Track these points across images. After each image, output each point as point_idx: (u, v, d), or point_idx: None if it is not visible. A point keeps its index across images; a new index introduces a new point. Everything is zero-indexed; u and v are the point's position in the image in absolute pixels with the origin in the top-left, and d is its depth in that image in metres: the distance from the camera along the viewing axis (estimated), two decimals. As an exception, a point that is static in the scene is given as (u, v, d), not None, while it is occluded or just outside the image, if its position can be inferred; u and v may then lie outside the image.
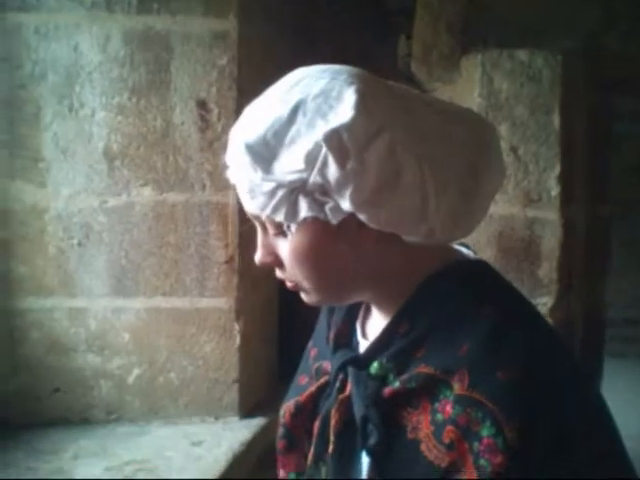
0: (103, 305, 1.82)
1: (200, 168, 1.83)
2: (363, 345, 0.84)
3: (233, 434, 1.74)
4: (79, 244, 1.82)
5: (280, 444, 0.89)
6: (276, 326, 2.10)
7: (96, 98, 1.77)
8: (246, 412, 1.85)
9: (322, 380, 0.85)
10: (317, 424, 0.82)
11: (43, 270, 1.81)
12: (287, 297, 1.96)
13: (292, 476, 0.90)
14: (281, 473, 0.91)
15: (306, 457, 0.85)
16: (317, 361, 0.89)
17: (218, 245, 1.84)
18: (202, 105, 1.80)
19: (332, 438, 0.79)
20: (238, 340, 1.84)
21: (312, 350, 0.93)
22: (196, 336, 1.83)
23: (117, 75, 1.76)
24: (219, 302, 1.83)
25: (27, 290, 1.81)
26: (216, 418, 1.82)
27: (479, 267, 0.83)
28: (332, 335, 0.87)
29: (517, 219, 2.04)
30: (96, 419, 1.80)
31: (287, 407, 0.89)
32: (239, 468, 1.65)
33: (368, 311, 0.87)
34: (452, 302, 0.77)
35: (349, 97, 0.71)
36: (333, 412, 0.80)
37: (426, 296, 0.78)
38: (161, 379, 1.82)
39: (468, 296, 0.77)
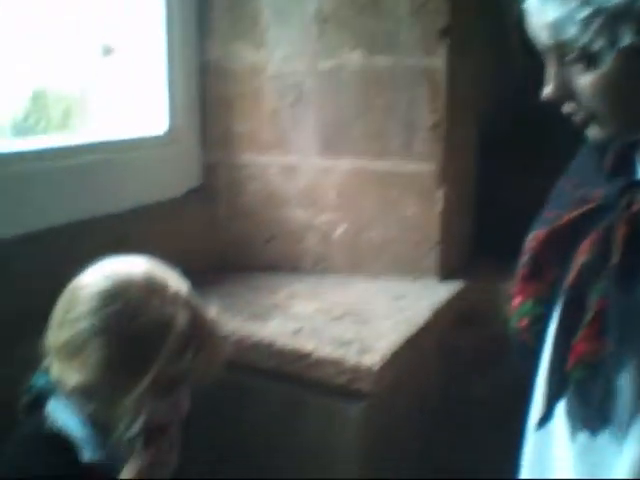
0: (313, 163, 1.91)
1: (411, 31, 1.82)
2: None
3: (432, 293, 1.80)
4: (291, 105, 1.90)
5: (523, 271, 0.92)
6: (474, 196, 2.10)
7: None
8: (444, 275, 1.89)
9: (589, 206, 0.86)
10: (589, 242, 0.83)
11: (259, 128, 1.92)
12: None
13: (529, 303, 0.93)
14: (517, 300, 0.94)
15: (548, 284, 0.88)
16: (580, 189, 0.90)
17: (425, 110, 1.84)
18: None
19: (619, 249, 0.80)
20: (440, 205, 1.86)
21: (569, 182, 0.94)
22: (400, 199, 1.87)
23: None
24: (423, 167, 1.85)
25: (245, 146, 1.94)
26: (415, 279, 1.88)
27: None
28: (609, 163, 0.87)
29: None
30: (305, 268, 1.94)
31: (536, 235, 0.91)
32: (439, 323, 1.71)
33: None
34: None
35: None
36: (619, 225, 0.80)
37: None
38: (364, 237, 1.90)
39: None
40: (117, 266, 1.01)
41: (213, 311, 1.03)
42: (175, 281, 1.01)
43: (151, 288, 0.97)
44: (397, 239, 1.89)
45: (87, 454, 0.99)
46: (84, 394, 0.96)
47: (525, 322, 0.95)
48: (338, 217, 1.91)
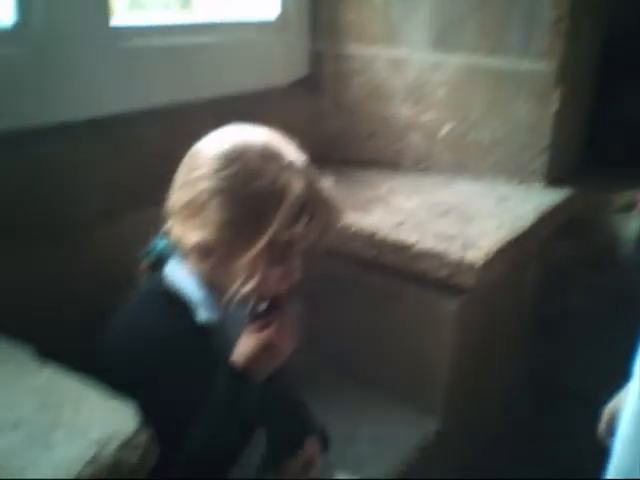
0: (422, 57, 1.84)
1: None
2: None
3: (538, 198, 1.74)
4: (404, -6, 1.82)
5: None
6: (590, 100, 1.99)
7: None
8: (551, 181, 1.82)
9: None
10: None
11: (370, 18, 1.86)
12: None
13: None
14: None
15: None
16: None
17: (548, 4, 1.73)
18: None
19: None
20: (555, 107, 1.77)
21: None
22: (512, 98, 1.79)
23: None
24: (541, 65, 1.75)
25: (353, 37, 1.89)
26: (520, 182, 1.82)
27: None
28: None
29: None
30: (406, 166, 1.90)
31: None
32: (543, 228, 1.66)
33: None
34: None
35: None
36: None
37: None
38: (471, 137, 1.84)
39: None
40: (237, 132, 1.02)
41: (329, 181, 1.03)
42: (293, 150, 1.01)
43: (268, 153, 0.98)
44: (505, 140, 1.82)
45: (202, 315, 1.02)
46: (202, 253, 0.99)
47: None
48: (445, 115, 1.85)
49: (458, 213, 1.61)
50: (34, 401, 0.80)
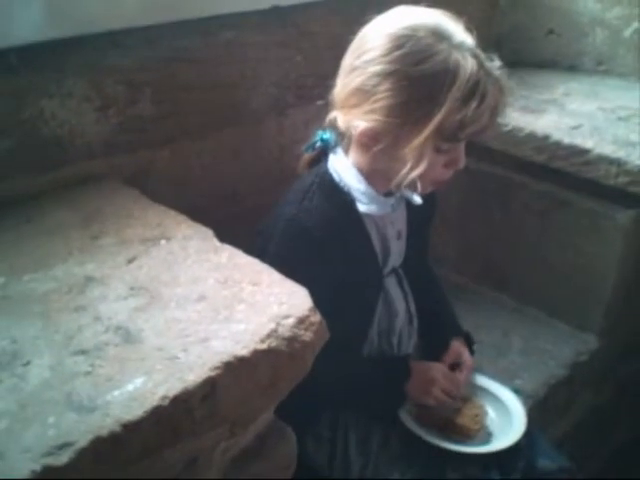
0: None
1: None
2: None
3: None
4: None
5: None
6: None
7: None
8: None
9: None
10: None
11: None
12: None
13: None
14: None
15: None
16: None
17: None
18: None
19: None
20: None
21: None
22: None
23: None
24: None
25: None
26: None
27: None
28: None
29: None
30: (585, 68, 1.78)
31: None
32: None
33: None
34: None
35: None
36: None
37: None
38: (662, 37, 1.68)
39: None
40: (406, 13, 0.99)
41: (498, 64, 0.98)
42: (462, 30, 0.97)
43: (439, 33, 0.94)
44: None
45: (363, 206, 1.04)
46: (371, 139, 0.98)
47: None
48: (634, 12, 1.69)
49: (640, 119, 1.50)
50: (217, 277, 0.85)
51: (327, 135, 1.08)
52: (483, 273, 1.64)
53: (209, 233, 0.96)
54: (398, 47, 0.93)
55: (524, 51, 1.83)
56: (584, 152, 1.37)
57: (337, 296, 0.96)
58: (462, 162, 1.00)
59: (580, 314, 1.50)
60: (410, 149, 0.94)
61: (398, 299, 1.13)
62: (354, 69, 0.97)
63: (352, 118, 0.98)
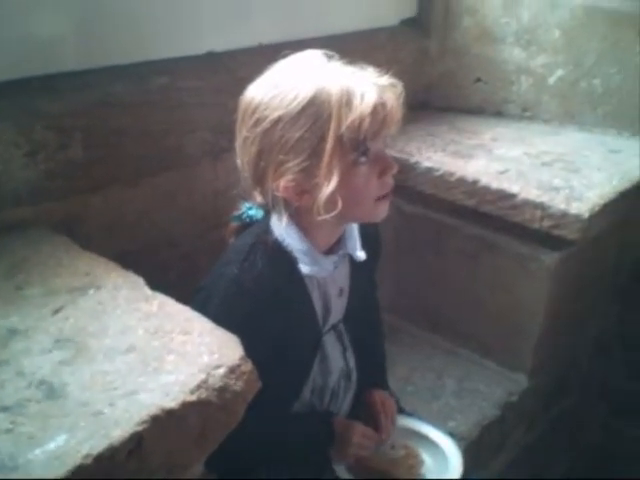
0: (538, -2, 1.76)
1: None
2: None
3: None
4: None
5: None
6: None
7: None
8: (668, 134, 1.73)
9: None
10: None
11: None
12: None
13: None
14: None
15: None
16: None
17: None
18: None
19: None
20: (678, 54, 1.66)
21: None
22: (632, 43, 1.68)
23: None
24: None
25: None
26: (633, 134, 1.73)
27: None
28: None
29: None
30: (511, 114, 1.85)
31: None
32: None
33: None
34: None
35: None
36: None
37: None
38: (583, 84, 1.76)
39: None
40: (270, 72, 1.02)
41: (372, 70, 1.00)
42: (326, 58, 1.00)
43: (302, 68, 0.98)
44: (620, 89, 1.72)
45: (305, 267, 1.03)
46: (295, 191, 0.98)
47: None
48: (557, 60, 1.77)
49: (564, 164, 1.56)
50: (147, 327, 0.84)
51: (253, 211, 1.08)
52: (417, 315, 1.66)
53: (140, 281, 0.95)
54: (271, 98, 0.96)
55: (453, 97, 1.89)
56: (511, 196, 1.42)
57: (274, 355, 0.96)
58: (392, 165, 1.01)
59: (511, 354, 1.54)
60: (323, 174, 0.95)
61: (335, 357, 1.13)
62: (245, 139, 0.99)
63: (268, 185, 0.99)
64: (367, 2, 1.72)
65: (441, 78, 1.89)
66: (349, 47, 1.55)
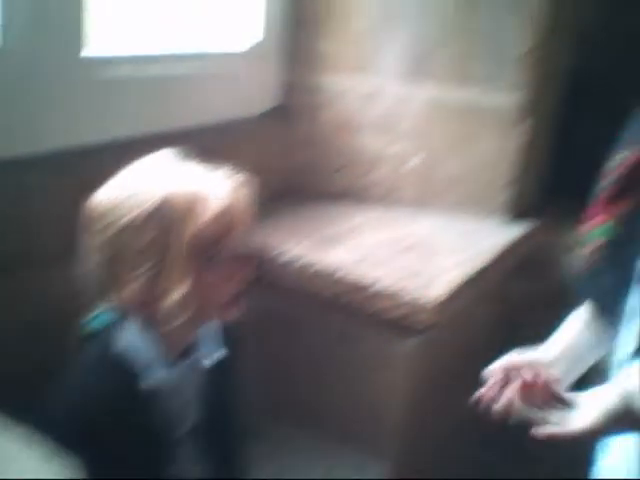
0: (393, 89, 1.83)
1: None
2: None
3: (502, 232, 1.75)
4: (379, 24, 1.81)
5: (609, 191, 0.92)
6: (555, 134, 1.98)
7: None
8: (516, 214, 1.83)
9: None
10: None
11: (344, 48, 1.85)
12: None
13: (610, 224, 0.93)
14: (596, 220, 0.92)
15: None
16: None
17: (517, 35, 1.72)
18: None
19: None
20: (521, 141, 1.77)
21: None
22: (477, 133, 1.79)
23: None
24: (508, 99, 1.76)
25: (327, 67, 1.87)
26: (486, 216, 1.82)
27: None
28: None
29: None
30: (372, 199, 1.89)
31: (625, 157, 0.88)
32: (504, 263, 1.66)
33: None
34: None
35: None
36: None
37: None
38: (437, 170, 1.84)
39: None
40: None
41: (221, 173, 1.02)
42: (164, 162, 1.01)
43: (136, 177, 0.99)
44: (470, 175, 1.82)
45: (150, 379, 1.01)
46: (138, 300, 0.97)
47: (599, 243, 0.94)
48: (412, 148, 1.86)
49: (421, 248, 1.61)
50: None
51: (104, 316, 1.05)
52: (279, 411, 1.62)
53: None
54: (118, 205, 0.95)
55: (319, 183, 1.93)
56: (366, 287, 1.44)
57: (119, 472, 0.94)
58: (244, 266, 1.01)
59: (373, 443, 1.53)
60: (171, 278, 0.94)
61: (187, 467, 1.09)
62: (93, 245, 0.99)
63: (115, 292, 0.98)
64: (230, 93, 1.74)
65: (307, 166, 1.93)
66: (211, 139, 1.58)
